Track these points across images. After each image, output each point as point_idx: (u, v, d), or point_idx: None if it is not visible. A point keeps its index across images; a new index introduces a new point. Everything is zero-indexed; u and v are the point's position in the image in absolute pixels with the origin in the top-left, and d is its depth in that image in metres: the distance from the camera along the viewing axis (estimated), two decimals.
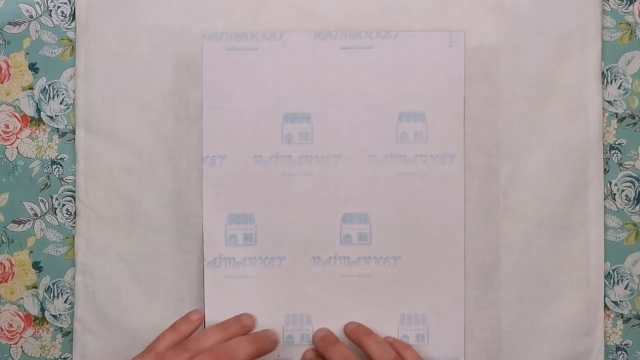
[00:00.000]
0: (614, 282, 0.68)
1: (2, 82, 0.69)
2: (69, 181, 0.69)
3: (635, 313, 0.68)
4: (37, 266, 0.69)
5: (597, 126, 0.68)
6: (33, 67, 0.69)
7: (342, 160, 0.67)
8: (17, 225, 0.69)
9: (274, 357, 0.67)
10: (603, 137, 0.68)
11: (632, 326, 0.68)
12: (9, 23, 0.69)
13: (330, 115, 0.67)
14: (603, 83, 0.68)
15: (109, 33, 0.68)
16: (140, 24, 0.68)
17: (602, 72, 0.68)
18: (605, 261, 0.68)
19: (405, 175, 0.67)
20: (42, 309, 0.69)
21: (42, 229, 0.68)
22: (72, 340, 0.68)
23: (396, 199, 0.67)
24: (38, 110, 0.69)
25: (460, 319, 0.67)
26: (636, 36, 0.69)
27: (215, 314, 0.67)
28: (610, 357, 0.68)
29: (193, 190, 0.67)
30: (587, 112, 0.68)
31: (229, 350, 0.60)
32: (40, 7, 0.69)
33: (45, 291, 0.68)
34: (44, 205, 0.69)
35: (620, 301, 0.68)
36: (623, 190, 0.68)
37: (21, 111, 0.69)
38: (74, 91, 0.68)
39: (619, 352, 0.68)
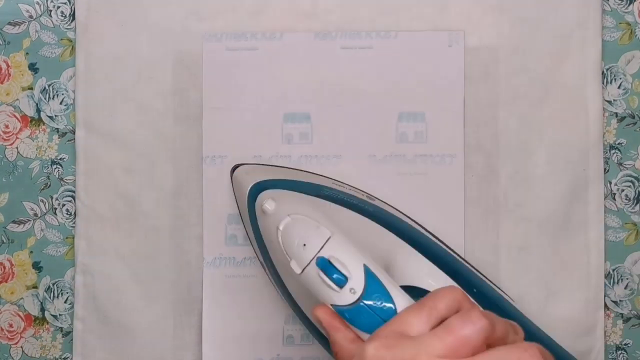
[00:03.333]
0: (614, 282, 0.68)
1: (2, 82, 0.69)
2: (69, 181, 0.69)
3: (635, 313, 0.68)
4: (37, 266, 0.69)
5: (597, 126, 0.68)
6: (33, 67, 0.69)
7: (342, 160, 0.67)
8: (17, 225, 0.69)
9: (273, 357, 0.67)
10: (603, 137, 0.68)
11: (632, 326, 0.68)
12: (9, 23, 0.69)
13: (330, 115, 0.67)
14: (603, 83, 0.68)
15: (109, 33, 0.68)
16: (140, 24, 0.68)
17: (602, 72, 0.68)
18: (605, 261, 0.68)
19: (405, 175, 0.67)
20: (42, 309, 0.69)
21: (42, 229, 0.68)
22: (72, 340, 0.68)
23: (396, 199, 0.67)
24: (38, 111, 0.69)
25: None
26: (636, 36, 0.69)
27: (214, 314, 0.67)
28: (610, 356, 0.68)
29: (193, 190, 0.67)
30: (587, 112, 0.68)
31: None
32: (40, 7, 0.69)
33: (45, 291, 0.68)
34: (44, 205, 0.69)
35: (620, 301, 0.68)
36: (623, 190, 0.68)
37: (21, 111, 0.69)
38: (74, 91, 0.68)
39: (619, 352, 0.68)
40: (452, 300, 0.45)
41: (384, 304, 0.49)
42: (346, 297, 0.49)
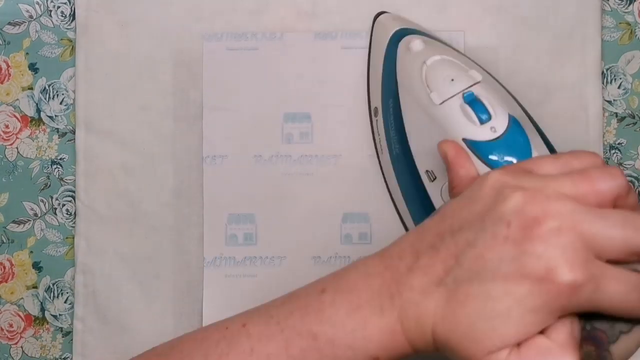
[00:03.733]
0: None
1: (2, 82, 0.69)
2: (69, 181, 0.69)
3: None
4: (37, 266, 0.69)
5: (597, 126, 0.68)
6: (33, 67, 0.69)
7: (342, 160, 0.67)
8: (17, 225, 0.69)
9: None
10: (603, 137, 0.68)
11: None
12: (9, 23, 0.69)
13: (330, 115, 0.67)
14: (603, 83, 0.68)
15: (109, 33, 0.68)
16: (140, 24, 0.68)
17: (602, 72, 0.68)
18: None
19: None
20: (42, 309, 0.69)
21: (42, 229, 0.68)
22: (72, 340, 0.68)
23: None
24: (38, 111, 0.69)
25: None
26: (636, 36, 0.69)
27: (214, 314, 0.67)
28: None
29: (193, 190, 0.67)
30: (587, 112, 0.68)
31: None
32: (40, 7, 0.69)
33: (45, 291, 0.68)
34: (44, 205, 0.69)
35: None
36: None
37: (21, 111, 0.69)
38: (74, 91, 0.68)
39: None
40: (589, 163, 0.43)
41: (522, 147, 0.49)
42: (485, 133, 0.50)
